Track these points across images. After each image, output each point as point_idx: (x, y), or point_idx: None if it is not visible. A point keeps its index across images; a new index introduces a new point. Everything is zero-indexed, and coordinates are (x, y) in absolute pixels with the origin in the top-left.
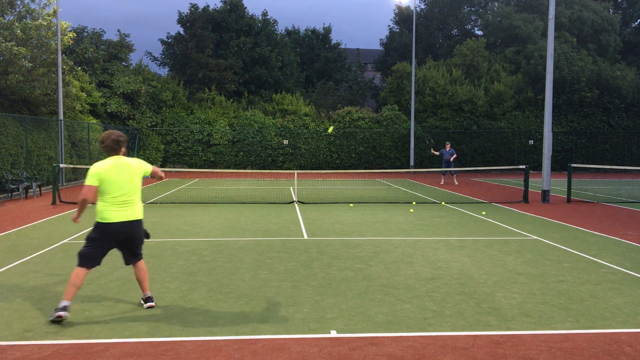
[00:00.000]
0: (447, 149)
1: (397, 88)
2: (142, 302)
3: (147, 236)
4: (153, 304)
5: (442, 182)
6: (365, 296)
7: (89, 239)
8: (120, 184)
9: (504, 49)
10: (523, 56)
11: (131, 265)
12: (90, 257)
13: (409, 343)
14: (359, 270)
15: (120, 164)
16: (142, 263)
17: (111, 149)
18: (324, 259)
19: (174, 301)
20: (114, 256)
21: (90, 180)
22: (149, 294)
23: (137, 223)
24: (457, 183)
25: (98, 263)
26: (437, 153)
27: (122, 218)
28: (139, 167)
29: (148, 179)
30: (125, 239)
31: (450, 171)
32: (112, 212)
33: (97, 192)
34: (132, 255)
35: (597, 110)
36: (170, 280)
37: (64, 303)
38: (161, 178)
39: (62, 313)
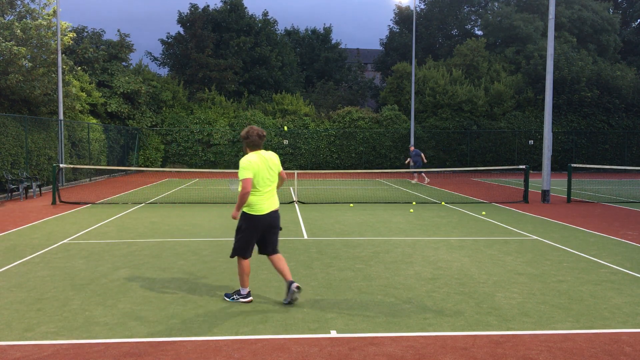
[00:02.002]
0: (412, 150)
1: (397, 88)
2: (289, 289)
3: (279, 228)
4: (297, 284)
5: (413, 182)
6: (365, 296)
7: (241, 230)
8: (266, 176)
9: (504, 49)
10: (523, 56)
11: (266, 257)
12: (246, 248)
13: (409, 343)
14: (359, 270)
15: (265, 157)
16: (280, 255)
17: (255, 144)
18: (324, 259)
19: (174, 301)
20: (114, 256)
21: (247, 172)
22: (292, 279)
23: (278, 213)
24: (414, 182)
25: (249, 254)
26: (409, 161)
27: (270, 208)
28: (278, 161)
29: None
30: (269, 227)
31: (416, 171)
32: (263, 204)
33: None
34: (270, 245)
35: (597, 110)
36: (170, 280)
37: (245, 290)
38: (282, 180)
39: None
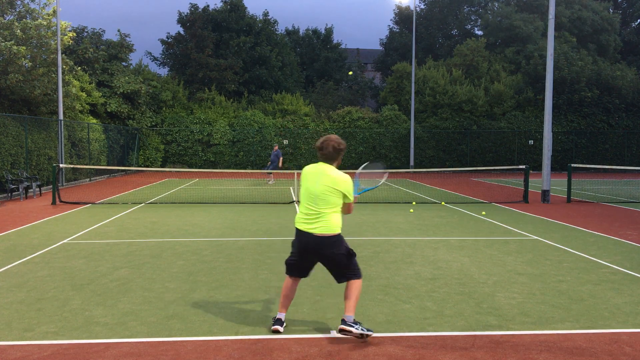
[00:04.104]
0: (275, 150)
1: (397, 88)
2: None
3: (351, 253)
4: (281, 328)
5: (270, 182)
6: (365, 296)
7: (292, 245)
8: (310, 192)
9: (504, 49)
10: (523, 56)
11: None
12: (290, 265)
13: (409, 343)
14: None
15: (319, 172)
16: (353, 282)
17: (328, 157)
18: None
19: (174, 301)
20: (114, 256)
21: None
22: (349, 316)
23: (325, 239)
24: (271, 182)
25: (301, 274)
26: (281, 164)
27: (308, 229)
28: (337, 184)
29: None
30: (316, 253)
31: (268, 171)
32: (299, 217)
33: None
34: (337, 274)
35: (597, 110)
36: (170, 280)
37: (277, 315)
38: (347, 212)
39: (276, 327)
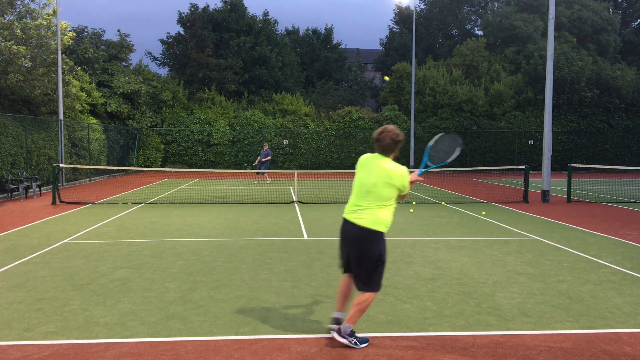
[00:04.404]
0: (265, 150)
1: (397, 88)
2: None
3: (381, 260)
4: (335, 327)
5: (257, 182)
6: None
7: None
8: (362, 184)
9: (504, 49)
10: (523, 56)
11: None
12: (340, 256)
13: (409, 343)
14: None
15: (374, 164)
16: (365, 293)
17: (385, 149)
18: (324, 259)
19: (174, 301)
20: (114, 256)
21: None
22: (347, 327)
23: (363, 230)
24: (268, 181)
25: (348, 268)
26: (256, 163)
27: (352, 217)
28: (391, 178)
29: None
30: (352, 244)
31: (262, 172)
32: (347, 207)
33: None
34: (356, 274)
35: (597, 110)
36: (170, 280)
37: (334, 314)
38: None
39: (330, 325)
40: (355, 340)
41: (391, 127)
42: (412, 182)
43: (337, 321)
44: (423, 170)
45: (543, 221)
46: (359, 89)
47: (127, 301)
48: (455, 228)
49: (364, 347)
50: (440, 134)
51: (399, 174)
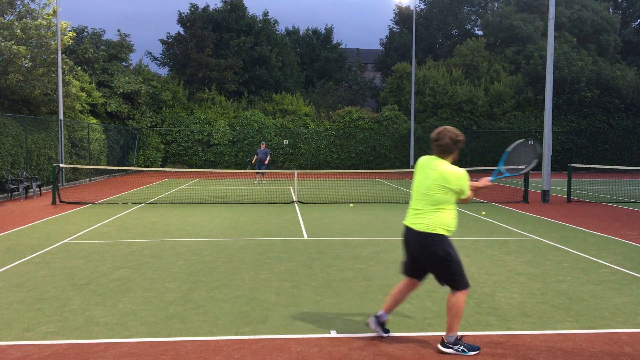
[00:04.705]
0: (262, 149)
1: (397, 88)
2: (375, 319)
3: (448, 260)
4: (372, 323)
5: (256, 182)
6: (365, 296)
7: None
8: (419, 187)
9: (504, 49)
10: (523, 56)
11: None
12: (403, 262)
13: (409, 343)
14: (359, 270)
15: (430, 166)
16: (451, 296)
17: (443, 150)
18: (324, 259)
19: (174, 301)
20: (114, 256)
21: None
22: (449, 336)
23: (422, 236)
24: (265, 181)
25: (411, 273)
26: (253, 162)
27: (411, 223)
28: (447, 180)
29: None
30: (416, 251)
31: (260, 171)
32: (407, 213)
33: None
34: (436, 277)
35: (597, 110)
36: (170, 280)
37: (378, 312)
38: (466, 201)
39: (368, 320)
40: (462, 347)
41: (451, 127)
42: (482, 188)
43: (378, 319)
44: (496, 177)
45: (543, 221)
46: (359, 89)
47: (127, 301)
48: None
49: (474, 354)
50: (521, 141)
51: (456, 177)
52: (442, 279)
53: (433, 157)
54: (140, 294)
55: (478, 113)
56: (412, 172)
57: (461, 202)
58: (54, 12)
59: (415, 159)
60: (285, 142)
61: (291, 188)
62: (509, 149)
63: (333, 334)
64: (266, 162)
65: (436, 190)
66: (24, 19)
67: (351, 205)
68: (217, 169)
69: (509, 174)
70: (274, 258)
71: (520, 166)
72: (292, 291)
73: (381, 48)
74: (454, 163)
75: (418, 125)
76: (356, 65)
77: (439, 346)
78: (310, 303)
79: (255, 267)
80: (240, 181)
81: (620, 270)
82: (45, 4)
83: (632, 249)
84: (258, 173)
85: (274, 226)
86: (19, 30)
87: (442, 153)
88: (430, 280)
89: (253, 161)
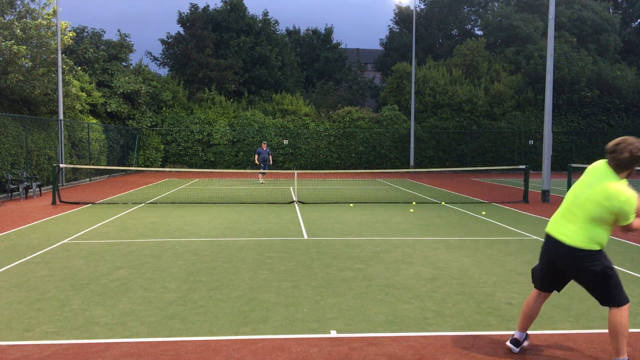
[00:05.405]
0: (264, 148)
1: (397, 88)
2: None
3: (607, 274)
4: (516, 350)
5: (261, 182)
6: (365, 296)
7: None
8: (577, 194)
9: (504, 49)
10: (523, 56)
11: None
12: (533, 273)
13: (409, 343)
14: (359, 270)
15: (598, 176)
16: (611, 313)
17: (619, 164)
18: (324, 259)
19: (174, 301)
20: (114, 256)
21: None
22: (519, 335)
23: (574, 251)
24: (262, 182)
25: (544, 286)
26: (257, 162)
27: (556, 234)
28: (609, 200)
29: None
30: (563, 266)
31: (261, 172)
32: (554, 219)
33: None
34: (593, 295)
35: (597, 110)
36: (170, 280)
37: (514, 334)
38: (626, 232)
39: (509, 345)
40: None
41: (632, 139)
42: None
43: (516, 342)
44: None
45: (543, 221)
46: (359, 89)
47: (127, 301)
48: (455, 228)
49: None
50: None
51: (622, 199)
52: (599, 296)
53: (606, 167)
54: (140, 294)
55: (478, 113)
56: (411, 173)
57: (624, 230)
58: (54, 12)
59: (416, 159)
60: (285, 142)
61: (291, 188)
62: None
63: (333, 334)
64: (270, 162)
65: (593, 206)
66: (24, 19)
67: (351, 205)
68: (217, 169)
69: None
70: (274, 258)
71: None
72: (292, 291)
73: (381, 48)
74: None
75: (418, 125)
76: (356, 65)
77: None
78: (310, 303)
79: (255, 267)
80: (240, 181)
81: (621, 270)
82: (45, 4)
83: (632, 249)
84: (261, 173)
85: (274, 226)
86: (19, 30)
87: (617, 167)
88: (430, 280)
89: (257, 161)
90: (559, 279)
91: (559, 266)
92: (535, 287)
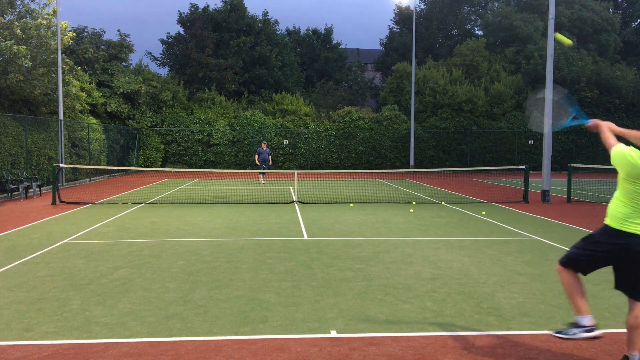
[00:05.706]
0: (264, 148)
1: (397, 88)
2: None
3: None
4: None
5: (263, 182)
6: (365, 296)
7: (588, 237)
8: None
9: (504, 49)
10: (523, 56)
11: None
12: (575, 258)
13: (409, 343)
14: (359, 270)
15: None
16: (634, 310)
17: None
18: (324, 259)
19: (174, 301)
20: (114, 256)
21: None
22: (635, 354)
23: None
24: (263, 182)
25: (583, 271)
26: (257, 162)
27: (636, 230)
28: None
29: None
30: (626, 256)
31: (262, 172)
32: (621, 216)
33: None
34: (628, 282)
35: (597, 110)
36: (170, 280)
37: (581, 320)
38: None
39: (595, 333)
40: None
41: None
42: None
43: (591, 329)
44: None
45: (543, 221)
46: (359, 89)
47: (127, 301)
48: (455, 228)
49: None
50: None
51: None
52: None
53: None
54: (140, 294)
55: (478, 113)
56: (411, 173)
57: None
58: (54, 12)
59: (416, 159)
60: (285, 142)
61: (291, 188)
62: (561, 100)
63: (333, 334)
64: (270, 162)
65: None
66: (24, 19)
67: (351, 205)
68: (217, 169)
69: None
70: (274, 258)
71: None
72: (292, 291)
73: (381, 48)
74: None
75: (418, 125)
76: (356, 65)
77: None
78: (310, 303)
79: (255, 267)
80: (240, 181)
81: None
82: (45, 4)
83: None
84: (261, 174)
85: (274, 226)
86: (19, 30)
87: None
88: (430, 280)
89: (257, 161)
90: (603, 266)
91: (627, 259)
92: (577, 271)
